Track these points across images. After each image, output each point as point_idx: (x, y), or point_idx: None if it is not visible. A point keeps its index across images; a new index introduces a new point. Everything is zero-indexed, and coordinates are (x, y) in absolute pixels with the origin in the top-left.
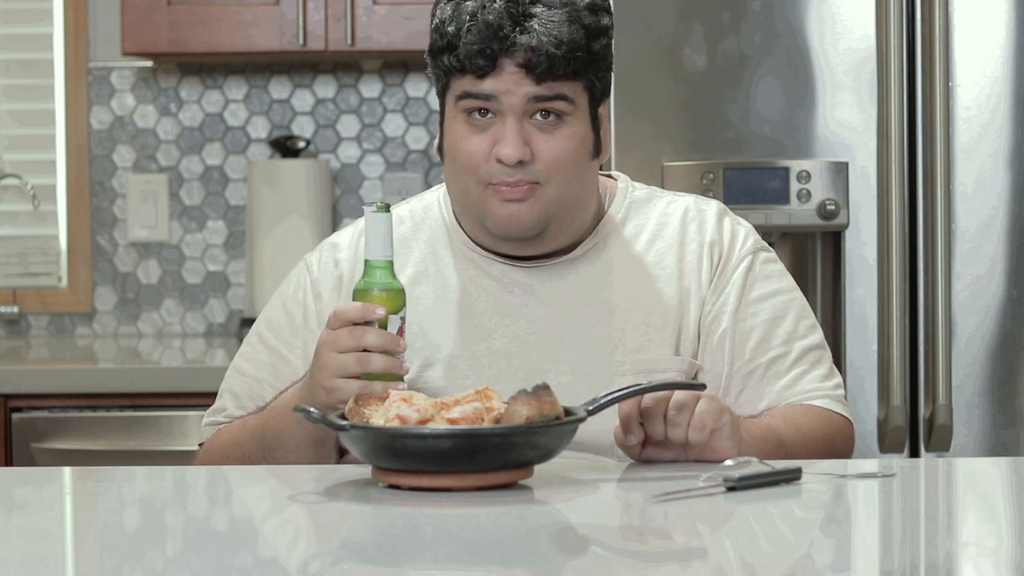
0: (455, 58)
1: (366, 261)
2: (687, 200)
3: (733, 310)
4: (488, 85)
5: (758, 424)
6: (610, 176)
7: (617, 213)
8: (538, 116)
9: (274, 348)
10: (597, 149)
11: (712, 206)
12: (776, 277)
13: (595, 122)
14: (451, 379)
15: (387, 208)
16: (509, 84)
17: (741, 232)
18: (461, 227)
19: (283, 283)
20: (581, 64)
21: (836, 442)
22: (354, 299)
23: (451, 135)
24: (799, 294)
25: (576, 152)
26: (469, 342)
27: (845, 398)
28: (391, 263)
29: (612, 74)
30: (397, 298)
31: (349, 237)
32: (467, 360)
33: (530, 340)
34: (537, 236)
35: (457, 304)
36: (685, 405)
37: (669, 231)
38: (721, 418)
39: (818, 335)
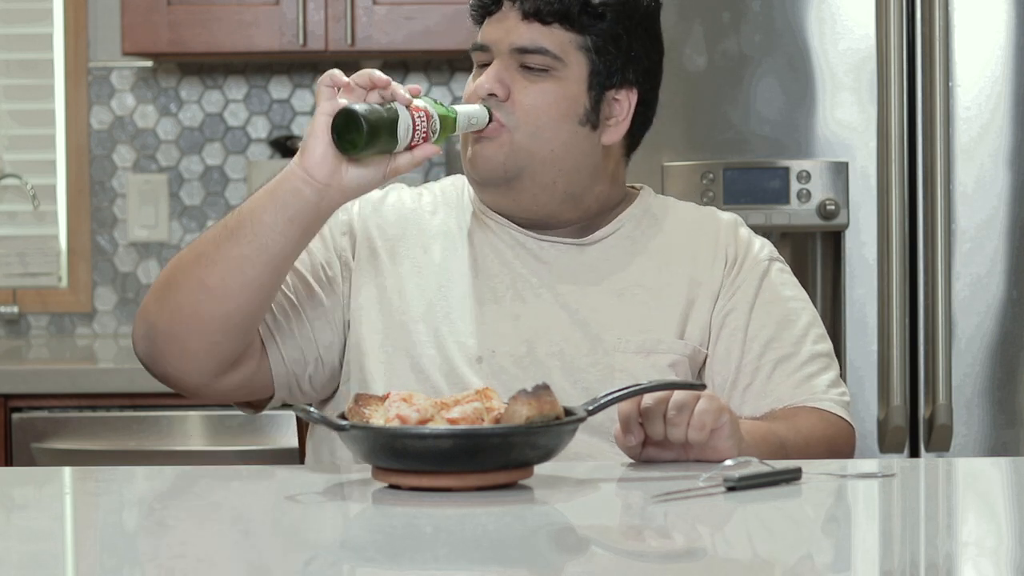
0: None
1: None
2: (706, 209)
3: (747, 307)
4: (485, 33)
5: (759, 426)
6: (633, 187)
7: (636, 210)
8: (526, 66)
9: None
10: (592, 122)
11: (730, 216)
12: (791, 286)
13: (596, 94)
14: (468, 336)
15: (488, 112)
16: (500, 32)
17: (757, 241)
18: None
19: None
20: (572, 13)
21: (838, 445)
22: None
23: None
24: (812, 306)
25: (553, 107)
26: (480, 300)
27: (849, 407)
28: (456, 118)
29: (638, 68)
30: (446, 119)
31: (379, 196)
32: (477, 319)
33: (538, 306)
34: (507, 185)
35: (471, 265)
36: (685, 405)
37: (685, 229)
38: (721, 418)
39: (828, 345)
